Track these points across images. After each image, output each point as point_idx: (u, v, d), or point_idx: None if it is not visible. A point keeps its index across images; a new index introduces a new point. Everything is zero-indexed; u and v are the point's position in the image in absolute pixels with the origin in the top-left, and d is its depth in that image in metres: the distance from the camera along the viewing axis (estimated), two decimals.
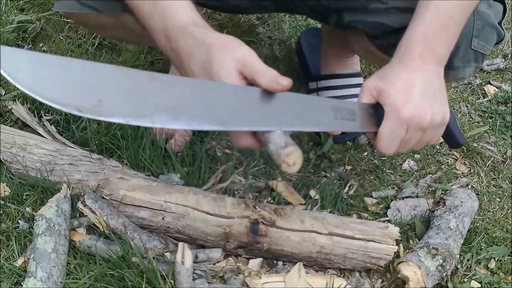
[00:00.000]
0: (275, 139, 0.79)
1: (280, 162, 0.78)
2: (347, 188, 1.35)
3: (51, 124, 1.34)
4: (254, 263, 1.13)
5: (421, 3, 0.94)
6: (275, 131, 0.80)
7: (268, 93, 0.81)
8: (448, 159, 1.48)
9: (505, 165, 1.48)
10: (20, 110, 1.36)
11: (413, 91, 0.89)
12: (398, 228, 1.14)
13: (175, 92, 0.71)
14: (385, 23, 1.05)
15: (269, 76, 0.81)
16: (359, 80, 1.53)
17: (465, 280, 1.17)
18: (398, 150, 0.93)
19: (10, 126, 1.32)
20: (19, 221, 1.14)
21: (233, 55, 0.82)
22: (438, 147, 1.50)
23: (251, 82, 0.83)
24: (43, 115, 1.37)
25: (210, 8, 1.56)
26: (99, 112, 0.65)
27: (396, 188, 1.37)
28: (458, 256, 1.17)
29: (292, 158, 0.77)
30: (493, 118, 1.63)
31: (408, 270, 1.09)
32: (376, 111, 0.92)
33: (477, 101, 1.69)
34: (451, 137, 1.02)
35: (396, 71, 0.91)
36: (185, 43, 0.86)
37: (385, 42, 1.10)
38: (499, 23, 1.09)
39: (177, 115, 0.70)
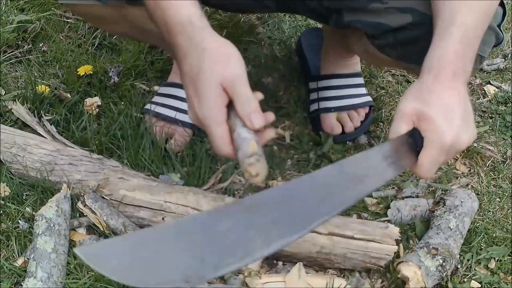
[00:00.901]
0: (243, 147, 0.79)
1: (244, 171, 0.78)
2: None
3: (51, 124, 1.34)
4: (254, 263, 1.13)
5: (444, 19, 0.92)
6: (244, 136, 0.79)
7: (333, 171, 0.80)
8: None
9: (505, 165, 1.48)
10: (20, 110, 1.36)
11: (455, 117, 0.87)
12: (398, 228, 1.14)
13: (260, 214, 0.71)
14: (384, 23, 1.05)
15: (247, 109, 0.80)
16: (359, 80, 1.53)
17: (465, 280, 1.17)
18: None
19: (10, 126, 1.32)
20: (19, 221, 1.14)
21: (222, 72, 0.82)
22: None
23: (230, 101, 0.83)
24: (43, 115, 1.37)
25: (211, 7, 1.56)
26: (205, 273, 0.62)
27: (396, 188, 1.37)
28: (458, 256, 1.17)
29: (255, 169, 0.77)
30: (493, 118, 1.63)
31: (408, 270, 1.09)
32: (413, 138, 0.88)
33: (477, 101, 1.69)
34: None
35: (436, 93, 0.88)
36: (182, 41, 0.86)
37: (383, 42, 1.10)
38: (498, 26, 1.09)
39: (271, 241, 0.68)
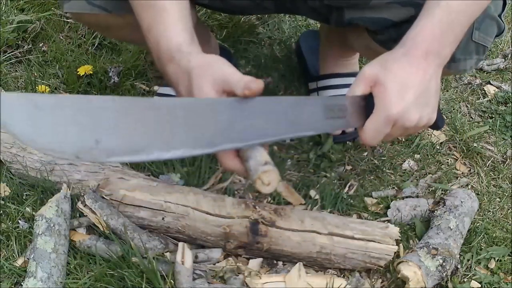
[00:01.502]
0: (256, 156, 0.80)
1: (255, 178, 0.78)
2: (347, 188, 1.35)
3: None
4: (254, 263, 1.13)
5: None
6: (257, 148, 0.80)
7: (257, 103, 0.80)
8: (448, 159, 1.48)
9: (505, 165, 1.48)
10: None
11: (408, 91, 0.88)
12: (398, 228, 1.14)
13: (167, 118, 0.70)
14: (386, 17, 1.05)
15: (241, 85, 0.81)
16: None
17: (465, 280, 1.17)
18: (383, 140, 0.94)
19: None
20: (19, 221, 1.14)
21: (209, 77, 0.83)
22: (438, 147, 1.50)
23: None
24: None
25: (210, 9, 1.56)
26: (97, 155, 0.63)
27: (396, 188, 1.37)
28: (458, 256, 1.17)
29: (268, 177, 0.78)
30: (493, 118, 1.63)
31: (408, 270, 1.09)
32: (367, 103, 0.91)
33: (477, 101, 1.69)
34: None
35: (399, 64, 0.89)
36: (171, 69, 0.88)
37: (385, 36, 1.10)
38: (499, 16, 1.09)
39: (171, 146, 0.70)
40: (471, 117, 1.63)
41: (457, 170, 1.46)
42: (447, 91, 1.71)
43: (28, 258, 1.05)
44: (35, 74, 1.50)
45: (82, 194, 1.15)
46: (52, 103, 0.61)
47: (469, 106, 1.67)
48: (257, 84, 0.80)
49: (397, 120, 0.89)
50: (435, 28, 0.90)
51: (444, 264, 1.12)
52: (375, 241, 1.11)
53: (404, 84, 0.88)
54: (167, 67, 0.89)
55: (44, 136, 0.60)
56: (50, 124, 0.60)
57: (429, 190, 1.38)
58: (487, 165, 1.48)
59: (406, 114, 0.89)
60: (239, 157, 0.83)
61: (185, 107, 0.72)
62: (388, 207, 1.30)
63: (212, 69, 0.84)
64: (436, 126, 1.03)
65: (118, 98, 0.66)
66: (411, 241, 1.24)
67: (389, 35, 1.08)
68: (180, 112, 0.71)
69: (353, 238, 1.11)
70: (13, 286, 1.05)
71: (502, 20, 1.10)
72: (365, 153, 1.45)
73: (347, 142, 1.47)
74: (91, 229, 1.15)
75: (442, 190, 1.37)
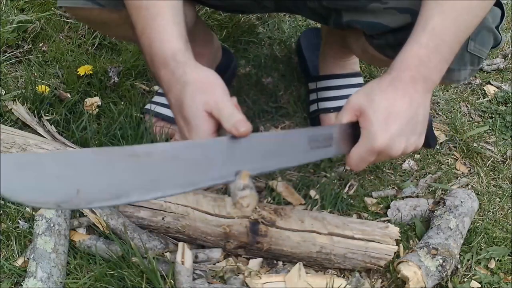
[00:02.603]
0: (235, 179, 0.82)
1: (235, 202, 0.82)
2: (347, 188, 1.35)
3: (51, 124, 1.34)
4: (254, 263, 1.13)
5: (418, 23, 0.93)
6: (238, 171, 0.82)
7: (240, 141, 0.82)
8: (448, 159, 1.48)
9: (505, 165, 1.48)
10: (20, 110, 1.36)
11: (394, 122, 0.88)
12: (398, 228, 1.14)
13: (145, 163, 0.73)
14: (383, 23, 1.05)
15: (231, 122, 0.82)
16: (358, 80, 1.53)
17: (465, 280, 1.17)
18: (367, 164, 0.94)
19: (10, 126, 1.32)
20: (19, 221, 1.15)
21: (203, 98, 0.85)
22: (438, 147, 1.50)
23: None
24: (43, 115, 1.37)
25: (211, 7, 1.56)
26: (78, 203, 0.67)
27: (396, 188, 1.37)
28: (458, 256, 1.17)
29: (246, 201, 0.81)
30: (493, 118, 1.63)
31: (408, 270, 1.09)
32: (355, 130, 0.92)
33: (477, 101, 1.69)
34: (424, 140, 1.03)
35: (383, 94, 0.89)
36: (165, 75, 0.89)
37: (382, 42, 1.10)
38: (497, 28, 1.09)
39: (150, 189, 0.72)
40: (471, 117, 1.63)
41: (457, 170, 1.46)
42: (447, 91, 1.71)
43: (28, 258, 1.05)
44: (35, 74, 1.50)
45: None
46: (32, 160, 0.65)
47: (469, 106, 1.67)
48: (247, 128, 0.81)
49: (381, 151, 0.89)
50: (422, 54, 0.90)
51: (444, 264, 1.12)
52: (375, 241, 1.11)
53: (389, 114, 0.88)
54: (161, 72, 0.89)
55: (26, 190, 0.64)
56: (31, 179, 0.64)
57: (429, 190, 1.38)
58: (487, 165, 1.48)
59: (391, 145, 0.89)
60: None
61: (163, 152, 0.75)
62: (388, 207, 1.30)
63: (207, 91, 0.85)
64: (428, 145, 1.03)
65: (97, 149, 0.70)
66: (411, 241, 1.24)
67: (385, 40, 1.08)
68: (157, 157, 0.74)
69: (353, 238, 1.11)
70: (13, 286, 1.05)
71: (499, 31, 1.09)
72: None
73: None
74: (91, 229, 1.15)
75: (442, 190, 1.37)
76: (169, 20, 0.90)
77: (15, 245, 1.11)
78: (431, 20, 0.91)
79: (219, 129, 0.85)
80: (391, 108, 0.89)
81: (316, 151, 0.89)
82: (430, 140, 1.02)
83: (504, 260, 1.23)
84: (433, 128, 1.01)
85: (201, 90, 0.85)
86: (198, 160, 0.77)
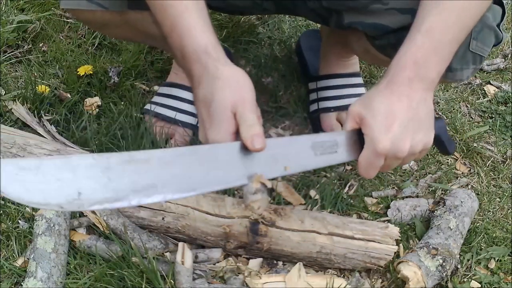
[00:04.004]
0: (248, 182, 0.83)
1: (246, 204, 0.86)
2: (347, 188, 1.35)
3: (51, 124, 1.34)
4: (254, 263, 1.13)
5: (414, 23, 0.93)
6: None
7: (242, 147, 0.83)
8: (448, 159, 1.48)
9: (505, 165, 1.48)
10: (20, 110, 1.36)
11: (393, 123, 0.88)
12: (398, 228, 1.14)
13: (148, 168, 0.74)
14: (385, 24, 1.05)
15: (250, 133, 0.83)
16: (358, 80, 1.53)
17: (465, 280, 1.17)
18: (381, 171, 0.94)
19: (10, 126, 1.32)
20: (19, 221, 1.15)
21: (232, 97, 0.86)
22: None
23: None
24: (43, 115, 1.37)
25: (211, 9, 1.55)
26: (80, 205, 0.69)
27: (396, 188, 1.37)
28: (458, 256, 1.17)
29: (257, 204, 0.85)
30: (493, 118, 1.63)
31: (408, 270, 1.09)
32: (360, 137, 0.92)
33: (477, 101, 1.69)
34: (440, 146, 1.02)
35: (381, 98, 0.90)
36: (197, 69, 0.90)
37: (383, 42, 1.10)
38: (498, 26, 1.09)
39: (150, 193, 0.74)
40: (471, 117, 1.63)
41: (457, 170, 1.46)
42: (447, 91, 1.71)
43: (28, 258, 1.05)
44: (35, 74, 1.50)
45: None
46: (35, 164, 0.67)
47: (469, 106, 1.67)
48: (262, 145, 0.82)
49: (387, 153, 0.89)
50: (417, 54, 0.90)
51: (444, 264, 1.12)
52: (375, 241, 1.11)
53: (388, 116, 0.89)
54: (192, 66, 0.90)
55: (29, 193, 0.66)
56: (34, 182, 0.67)
57: (429, 190, 1.38)
58: (487, 165, 1.48)
59: (395, 146, 0.89)
60: None
61: (162, 157, 0.76)
62: (388, 207, 1.30)
63: (237, 89, 0.87)
64: (445, 152, 1.03)
65: (97, 155, 0.72)
66: (411, 241, 1.24)
67: (387, 40, 1.08)
68: (156, 161, 0.75)
69: (353, 238, 1.11)
70: (13, 286, 1.05)
71: (500, 30, 1.09)
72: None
73: None
74: (91, 229, 1.15)
75: (442, 190, 1.37)
76: (196, 16, 0.91)
77: (15, 245, 1.11)
78: (427, 20, 0.91)
79: (238, 132, 0.86)
80: (389, 110, 0.89)
81: (323, 157, 0.90)
82: (447, 146, 1.02)
83: (504, 260, 1.23)
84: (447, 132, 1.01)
85: (232, 88, 0.87)
86: (198, 166, 0.78)
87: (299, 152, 0.88)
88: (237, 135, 0.86)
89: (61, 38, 1.65)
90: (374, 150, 0.89)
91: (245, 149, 0.83)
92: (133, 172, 0.73)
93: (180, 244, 1.08)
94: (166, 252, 1.10)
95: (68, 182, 0.68)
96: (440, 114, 1.62)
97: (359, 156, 0.92)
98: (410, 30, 0.93)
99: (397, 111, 0.89)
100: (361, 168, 0.92)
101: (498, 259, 1.23)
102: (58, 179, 0.67)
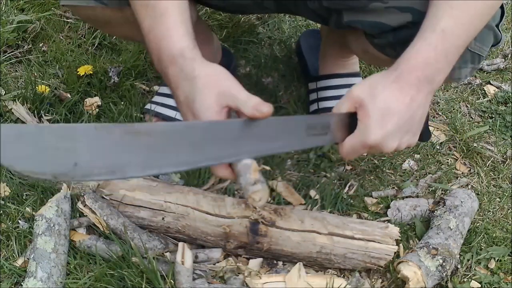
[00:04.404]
0: (245, 174, 0.83)
1: (247, 197, 0.83)
2: (347, 188, 1.35)
3: None
4: (254, 263, 1.13)
5: (427, 22, 0.92)
6: (245, 162, 0.83)
7: (239, 124, 0.82)
8: (448, 159, 1.48)
9: (505, 165, 1.48)
10: (20, 110, 1.36)
11: (391, 120, 0.89)
12: (398, 228, 1.14)
13: (146, 141, 0.73)
14: (384, 22, 1.05)
15: (251, 104, 0.82)
16: (358, 80, 1.53)
17: (465, 280, 1.17)
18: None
19: None
20: (19, 221, 1.15)
21: (214, 93, 0.85)
22: (438, 147, 1.50)
23: (238, 113, 0.85)
24: (43, 115, 1.37)
25: (211, 8, 1.56)
26: (74, 176, 0.68)
27: (396, 188, 1.37)
28: (458, 256, 1.17)
29: (258, 195, 0.83)
30: (493, 118, 1.63)
31: (408, 270, 1.09)
32: (352, 120, 0.92)
33: (477, 101, 1.69)
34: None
35: (387, 92, 0.90)
36: (173, 72, 0.89)
37: (383, 41, 1.10)
38: (497, 26, 1.09)
39: (146, 166, 0.73)
40: (471, 117, 1.63)
41: (457, 170, 1.46)
42: (447, 91, 1.71)
43: (28, 258, 1.05)
44: (35, 74, 1.50)
45: (82, 194, 1.15)
46: (32, 131, 0.66)
47: (469, 106, 1.67)
48: (268, 108, 0.81)
49: (374, 146, 0.90)
50: (430, 54, 0.90)
51: (444, 264, 1.12)
52: (375, 241, 1.11)
53: (387, 111, 0.89)
54: (169, 69, 0.89)
55: (24, 160, 0.65)
56: (30, 149, 0.65)
57: (429, 190, 1.38)
58: (487, 165, 1.48)
59: (384, 142, 0.90)
60: (230, 167, 0.85)
61: (162, 130, 0.75)
62: (388, 207, 1.30)
63: (218, 82, 0.86)
64: (421, 138, 1.03)
65: (100, 125, 0.71)
66: (411, 241, 1.24)
67: (386, 39, 1.08)
68: (157, 135, 0.74)
69: (353, 238, 1.11)
70: (13, 286, 1.05)
71: (499, 30, 1.09)
72: (365, 153, 1.45)
73: None
74: (91, 229, 1.15)
75: (442, 190, 1.37)
76: (176, 18, 0.90)
77: (15, 245, 1.11)
78: (442, 22, 0.90)
79: None
80: (391, 106, 0.89)
81: (313, 138, 0.90)
82: (423, 134, 1.02)
83: (504, 260, 1.23)
84: (429, 123, 1.02)
85: (212, 83, 0.85)
86: (196, 141, 0.77)
87: (292, 132, 0.88)
88: None
89: (61, 38, 1.65)
90: (363, 140, 0.90)
91: (243, 126, 0.82)
92: (132, 144, 0.72)
93: (180, 244, 1.08)
94: (166, 252, 1.10)
95: (65, 151, 0.67)
96: (440, 114, 1.62)
97: (346, 139, 0.92)
98: (423, 29, 0.92)
99: (397, 110, 0.89)
100: (345, 149, 0.93)
101: (498, 259, 1.23)
102: (56, 147, 0.66)
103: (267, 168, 1.31)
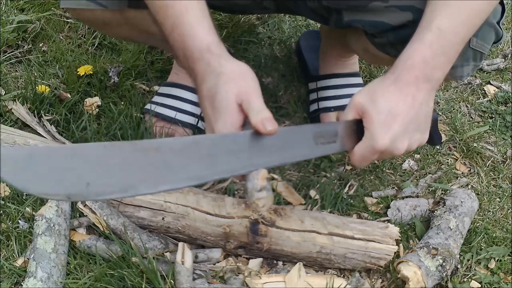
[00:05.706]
0: (253, 180, 0.84)
1: (251, 202, 0.85)
2: (347, 188, 1.35)
3: (51, 124, 1.34)
4: (254, 263, 1.13)
5: (423, 22, 0.93)
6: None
7: (247, 136, 0.82)
8: (448, 159, 1.48)
9: (505, 165, 1.48)
10: (20, 110, 1.36)
11: (396, 122, 0.89)
12: (398, 228, 1.14)
13: (155, 158, 0.74)
14: (385, 21, 1.05)
15: (260, 116, 0.82)
16: (358, 80, 1.53)
17: (465, 280, 1.17)
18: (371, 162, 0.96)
19: (10, 126, 1.32)
20: (19, 221, 1.15)
21: (236, 88, 0.86)
22: (438, 147, 1.50)
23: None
24: (43, 115, 1.37)
25: (211, 8, 1.55)
26: (87, 195, 0.68)
27: (396, 188, 1.37)
28: (458, 256, 1.17)
29: (262, 202, 0.84)
30: (493, 118, 1.63)
31: (408, 270, 1.09)
32: (359, 128, 0.92)
33: (477, 101, 1.69)
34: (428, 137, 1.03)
35: (387, 95, 0.90)
36: (199, 67, 0.89)
37: (383, 40, 1.10)
38: (498, 23, 1.09)
39: (158, 182, 0.73)
40: (471, 117, 1.63)
41: (457, 170, 1.46)
42: (447, 91, 1.71)
43: (28, 258, 1.05)
44: (35, 74, 1.50)
45: None
46: (42, 153, 0.66)
47: (469, 106, 1.67)
48: (274, 127, 0.81)
49: (384, 150, 0.90)
50: (426, 53, 0.90)
51: (444, 264, 1.12)
52: (375, 241, 1.11)
53: (391, 115, 0.89)
54: (196, 65, 0.90)
55: (37, 182, 0.65)
56: (42, 171, 0.65)
57: (429, 190, 1.38)
58: (487, 165, 1.48)
59: (394, 144, 0.90)
60: None
61: (170, 146, 0.75)
62: (388, 207, 1.30)
63: (241, 81, 0.87)
64: (432, 142, 1.04)
65: (108, 144, 0.71)
66: (411, 241, 1.24)
67: (386, 38, 1.08)
68: (166, 150, 0.74)
69: (353, 238, 1.11)
70: (13, 286, 1.05)
71: (500, 27, 1.09)
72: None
73: None
74: (91, 229, 1.15)
75: (442, 190, 1.37)
76: (198, 15, 0.91)
77: (15, 245, 1.11)
78: (437, 20, 0.91)
79: (245, 125, 0.85)
80: (393, 108, 0.89)
81: (321, 147, 0.90)
82: (434, 137, 1.03)
83: (504, 260, 1.23)
84: (438, 126, 1.02)
85: (235, 80, 0.86)
86: (206, 155, 0.77)
87: (300, 142, 0.88)
88: (243, 128, 0.86)
89: (61, 38, 1.65)
90: (372, 146, 0.90)
91: (251, 138, 0.82)
92: (142, 161, 0.72)
93: (180, 244, 1.08)
94: (166, 252, 1.10)
95: (76, 171, 0.67)
96: (440, 114, 1.62)
97: (356, 147, 0.92)
98: (419, 28, 0.92)
99: (400, 111, 0.89)
100: (355, 159, 0.93)
101: (498, 259, 1.23)
102: (67, 168, 0.66)
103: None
